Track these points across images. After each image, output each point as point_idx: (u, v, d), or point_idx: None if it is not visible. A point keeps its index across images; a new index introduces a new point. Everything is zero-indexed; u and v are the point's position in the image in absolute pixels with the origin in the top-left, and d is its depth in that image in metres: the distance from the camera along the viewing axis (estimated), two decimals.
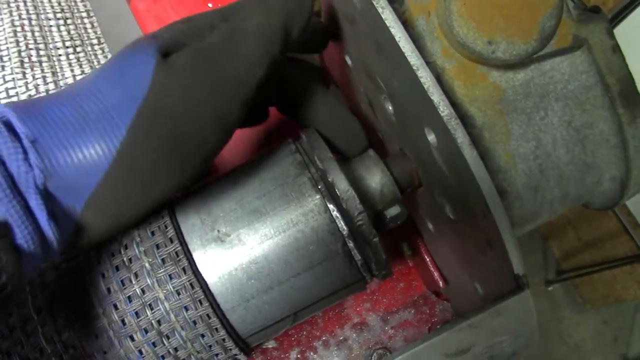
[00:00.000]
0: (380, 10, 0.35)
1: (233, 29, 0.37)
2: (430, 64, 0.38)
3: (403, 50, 0.34)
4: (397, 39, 0.34)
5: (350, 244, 0.40)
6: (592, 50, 0.38)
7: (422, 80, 0.34)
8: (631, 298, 2.25)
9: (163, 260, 0.39)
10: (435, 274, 0.54)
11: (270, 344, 0.54)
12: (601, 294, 2.44)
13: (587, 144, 0.40)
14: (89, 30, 0.67)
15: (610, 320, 2.58)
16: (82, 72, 0.62)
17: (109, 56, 0.64)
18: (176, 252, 0.39)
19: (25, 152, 0.31)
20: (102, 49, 0.66)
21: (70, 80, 0.61)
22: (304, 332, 0.57)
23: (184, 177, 0.36)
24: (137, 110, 0.33)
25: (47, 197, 0.32)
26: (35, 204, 0.31)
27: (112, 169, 0.33)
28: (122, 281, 0.39)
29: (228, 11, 0.39)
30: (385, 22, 0.35)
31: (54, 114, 0.33)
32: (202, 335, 0.39)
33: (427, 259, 0.54)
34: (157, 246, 0.39)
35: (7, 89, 0.60)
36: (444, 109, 0.34)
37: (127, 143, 0.33)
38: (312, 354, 0.56)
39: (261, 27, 0.37)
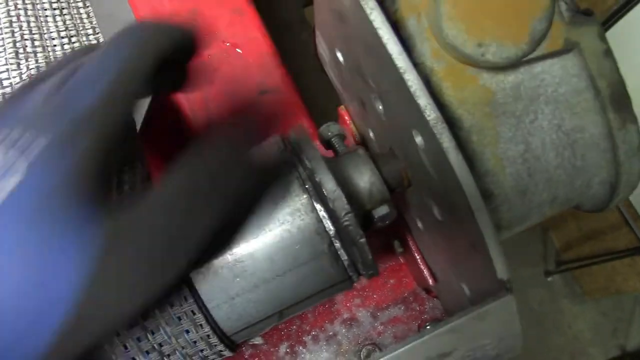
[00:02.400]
0: (368, 11, 0.34)
1: None
2: (419, 65, 0.38)
3: (390, 52, 0.34)
4: (384, 41, 0.34)
5: (337, 244, 0.40)
6: (584, 53, 0.38)
7: (409, 83, 0.34)
8: (631, 290, 2.25)
9: None
10: (425, 272, 0.54)
11: (257, 340, 0.54)
12: (601, 286, 2.44)
13: (576, 148, 0.39)
14: (85, 20, 0.66)
15: (609, 312, 2.59)
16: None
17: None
18: None
19: None
20: (97, 39, 0.65)
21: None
22: (294, 327, 0.57)
23: None
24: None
25: None
26: None
27: None
28: None
29: None
30: (373, 23, 0.34)
31: None
32: (187, 332, 0.39)
33: (417, 257, 0.54)
34: None
35: (0, 80, 0.60)
36: (430, 113, 0.33)
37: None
38: (301, 348, 0.57)
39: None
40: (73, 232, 0.25)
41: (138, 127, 0.49)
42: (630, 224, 1.99)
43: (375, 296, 0.58)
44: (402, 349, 0.34)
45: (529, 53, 0.37)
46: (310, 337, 0.57)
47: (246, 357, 0.56)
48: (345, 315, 0.58)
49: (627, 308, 2.56)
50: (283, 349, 0.56)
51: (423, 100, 0.33)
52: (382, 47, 0.34)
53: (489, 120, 0.38)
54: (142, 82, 0.30)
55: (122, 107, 0.30)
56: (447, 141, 0.33)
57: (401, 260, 0.60)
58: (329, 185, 0.40)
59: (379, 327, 0.57)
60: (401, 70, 0.34)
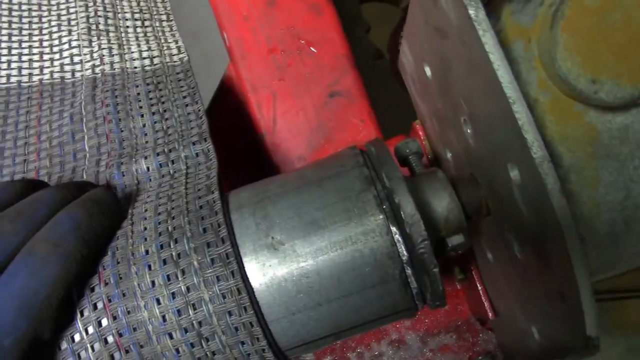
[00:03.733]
0: (481, 32, 0.32)
1: None
2: (523, 94, 0.35)
3: (500, 80, 0.32)
4: (495, 67, 0.32)
5: (409, 271, 0.38)
6: None
7: (517, 115, 0.31)
8: None
9: (212, 260, 0.37)
10: (486, 305, 0.51)
11: (308, 357, 0.52)
12: (633, 321, 2.37)
13: None
14: (159, 5, 0.65)
15: (636, 349, 2.51)
16: (149, 49, 0.60)
17: (176, 35, 0.62)
18: (227, 254, 0.37)
19: None
20: (170, 26, 0.64)
21: (136, 55, 0.59)
22: (339, 342, 0.55)
23: None
24: None
25: None
26: None
27: None
28: (168, 276, 0.37)
29: None
30: (485, 46, 0.32)
31: None
32: (242, 343, 0.38)
33: (479, 287, 0.52)
34: (208, 244, 0.38)
35: (72, 55, 0.59)
36: (537, 151, 0.31)
37: None
38: None
39: None
40: None
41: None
42: None
43: (426, 320, 0.56)
44: None
45: None
46: (355, 354, 0.55)
47: None
48: (394, 336, 0.56)
49: None
50: None
51: (530, 135, 0.31)
52: (491, 72, 0.32)
53: (590, 160, 0.36)
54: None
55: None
56: (552, 182, 0.31)
57: (458, 286, 0.57)
58: (409, 208, 0.37)
59: (427, 353, 0.55)
60: (510, 100, 0.31)
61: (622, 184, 0.36)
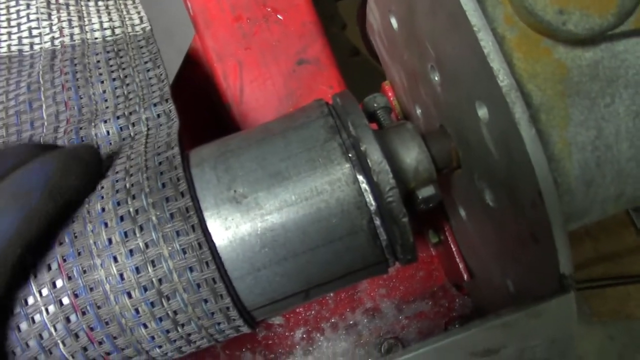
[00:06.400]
0: None
1: None
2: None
3: (464, 8, 0.30)
4: None
5: (377, 221, 0.36)
6: None
7: (482, 43, 0.30)
8: None
9: (172, 215, 0.36)
10: (461, 266, 0.50)
11: (277, 320, 0.51)
12: (612, 309, 2.38)
13: None
14: None
15: (616, 336, 2.52)
16: (110, 20, 0.59)
17: (139, 7, 0.60)
18: (186, 208, 0.36)
19: None
20: (135, 6, 0.62)
21: (97, 26, 0.57)
22: (312, 312, 0.53)
23: None
24: None
25: None
26: None
27: None
28: (125, 233, 0.35)
29: None
30: None
31: None
32: (205, 301, 0.36)
33: (454, 249, 0.50)
34: (167, 199, 0.36)
35: (30, 28, 0.57)
36: (504, 79, 0.30)
37: None
38: (318, 335, 0.53)
39: None
40: None
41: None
42: None
43: (401, 288, 0.54)
44: (446, 340, 0.31)
45: (615, 27, 0.33)
46: (329, 324, 0.53)
47: (259, 339, 0.52)
48: (369, 305, 0.54)
49: (636, 334, 2.50)
50: (299, 334, 0.53)
51: (497, 63, 0.30)
52: (453, 3, 0.31)
53: (560, 99, 0.34)
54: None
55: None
56: (520, 112, 0.30)
57: (432, 252, 0.56)
58: (375, 156, 0.36)
59: (403, 320, 0.54)
60: (475, 29, 0.30)
61: (593, 122, 0.35)
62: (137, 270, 0.35)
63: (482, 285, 0.49)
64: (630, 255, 2.13)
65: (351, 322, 0.54)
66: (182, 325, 0.37)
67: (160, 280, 0.35)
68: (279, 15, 0.60)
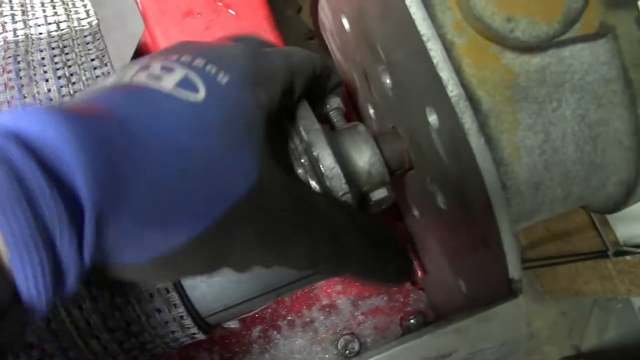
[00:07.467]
0: None
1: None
2: (439, 37, 0.34)
3: (413, 17, 0.30)
4: (407, 3, 0.30)
5: None
6: (619, 40, 0.35)
7: (431, 53, 0.30)
8: (591, 292, 2.26)
9: None
10: (414, 263, 0.51)
11: (233, 324, 0.50)
12: (562, 286, 2.46)
13: (598, 143, 0.36)
14: None
15: (567, 312, 2.61)
16: (55, 14, 0.56)
17: (85, 0, 0.58)
18: None
19: (80, 233, 0.21)
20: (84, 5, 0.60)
21: (41, 21, 0.55)
22: (269, 310, 0.53)
23: None
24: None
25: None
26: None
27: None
28: None
29: None
30: None
31: (139, 184, 0.22)
32: (159, 311, 0.36)
33: (407, 246, 0.51)
34: None
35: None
36: (453, 89, 0.30)
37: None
38: (275, 333, 0.53)
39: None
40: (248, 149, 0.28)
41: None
42: (597, 228, 2.00)
43: (357, 284, 0.55)
44: (399, 347, 0.31)
45: (561, 34, 0.34)
46: (285, 322, 0.54)
47: (215, 338, 0.52)
48: (325, 302, 0.54)
49: (585, 310, 2.58)
50: (256, 332, 0.53)
51: (446, 73, 0.30)
52: (404, 10, 0.31)
53: (508, 104, 0.35)
54: (307, 80, 0.35)
55: (294, 83, 0.34)
56: (469, 122, 0.30)
57: None
58: (327, 161, 0.36)
59: (359, 316, 0.54)
60: (424, 38, 0.30)
61: (541, 126, 0.35)
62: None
63: (436, 283, 0.49)
64: (579, 233, 2.19)
65: (308, 319, 0.54)
66: (136, 335, 0.36)
67: (112, 294, 0.35)
68: (230, 10, 0.59)
